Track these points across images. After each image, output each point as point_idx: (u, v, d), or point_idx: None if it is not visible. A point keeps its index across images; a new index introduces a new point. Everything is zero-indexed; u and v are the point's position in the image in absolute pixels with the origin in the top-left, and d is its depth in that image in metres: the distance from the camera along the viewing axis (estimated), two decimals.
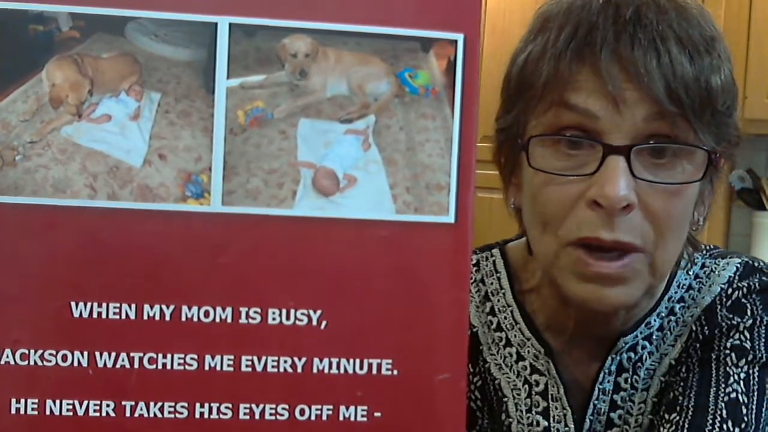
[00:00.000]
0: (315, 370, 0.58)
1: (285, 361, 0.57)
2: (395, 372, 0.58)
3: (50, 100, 0.56)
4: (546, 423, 0.92)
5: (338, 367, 0.58)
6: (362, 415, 0.58)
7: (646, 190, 0.79)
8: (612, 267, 0.79)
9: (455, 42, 0.58)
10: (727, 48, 0.83)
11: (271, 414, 0.58)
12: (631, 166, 0.77)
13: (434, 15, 0.58)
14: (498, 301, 0.97)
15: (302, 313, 0.57)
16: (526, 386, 0.94)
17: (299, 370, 0.58)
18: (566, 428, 0.92)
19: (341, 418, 0.58)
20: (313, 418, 0.58)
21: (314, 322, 0.58)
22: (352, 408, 0.58)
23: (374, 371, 0.58)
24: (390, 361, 0.58)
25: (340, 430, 0.58)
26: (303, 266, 0.57)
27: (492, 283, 0.98)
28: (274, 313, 0.57)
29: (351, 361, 0.58)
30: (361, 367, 0.58)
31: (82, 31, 0.56)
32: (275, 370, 0.57)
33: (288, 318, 0.57)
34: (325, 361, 0.58)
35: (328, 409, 0.58)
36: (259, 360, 0.57)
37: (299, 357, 0.58)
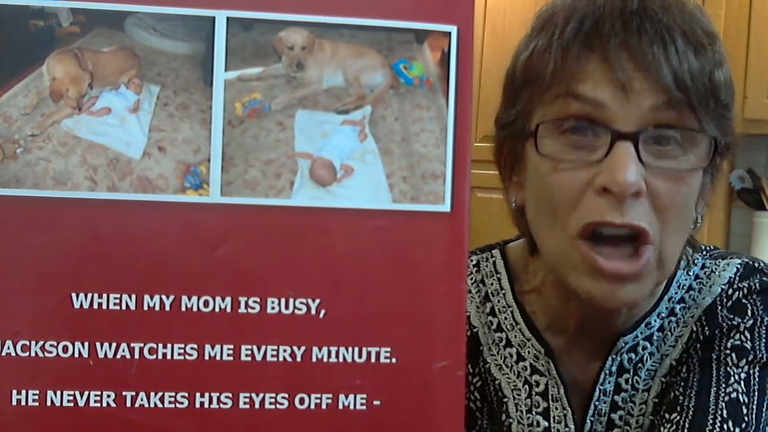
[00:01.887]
0: (314, 359, 0.58)
1: (284, 350, 0.58)
2: (394, 360, 0.59)
3: (51, 94, 0.57)
4: (546, 423, 0.92)
5: (337, 356, 0.58)
6: (362, 404, 0.58)
7: (653, 177, 0.79)
8: (630, 266, 0.80)
9: (449, 34, 0.59)
10: (723, 47, 0.84)
11: (270, 403, 0.58)
12: (639, 153, 0.78)
13: (428, 7, 0.59)
14: (498, 301, 0.97)
15: (301, 302, 0.58)
16: (527, 387, 0.94)
17: (299, 359, 0.58)
18: (566, 429, 0.92)
19: (341, 406, 0.58)
20: (312, 406, 0.58)
21: (313, 311, 0.58)
22: (351, 396, 0.58)
23: (373, 359, 0.58)
24: (389, 349, 0.59)
25: (339, 419, 0.58)
26: (301, 256, 0.58)
27: (492, 284, 0.98)
28: (273, 302, 0.58)
29: (350, 349, 0.58)
30: (360, 356, 0.58)
31: (82, 26, 0.57)
32: (275, 359, 0.58)
33: (287, 307, 0.58)
34: (324, 349, 0.58)
35: (327, 398, 0.58)
36: (259, 349, 0.58)
37: (298, 346, 0.58)
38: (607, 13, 0.80)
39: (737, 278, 0.93)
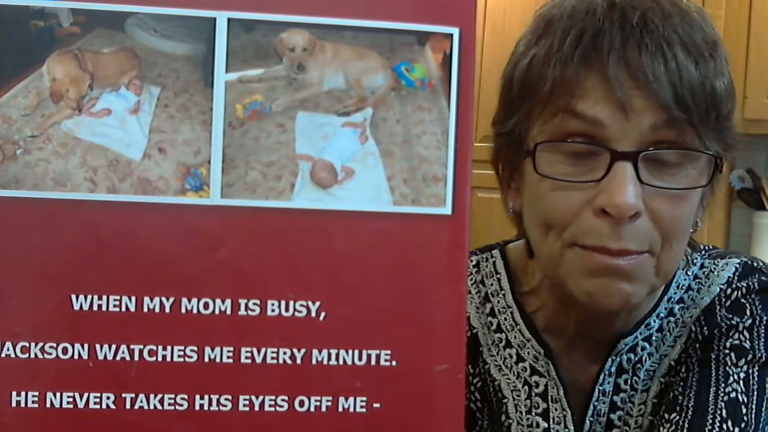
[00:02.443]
0: (314, 362, 0.58)
1: (284, 353, 0.58)
2: (394, 363, 0.59)
3: (51, 95, 0.57)
4: (546, 424, 0.92)
5: (337, 359, 0.58)
6: (361, 406, 0.58)
7: (653, 196, 0.79)
8: (621, 260, 0.79)
9: (451, 36, 0.59)
10: (726, 51, 0.83)
11: (270, 405, 0.58)
12: (638, 173, 0.78)
13: (430, 9, 0.59)
14: (498, 302, 0.97)
15: (301, 305, 0.58)
16: (526, 387, 0.94)
17: (298, 361, 0.58)
18: (566, 429, 0.92)
19: (340, 409, 0.58)
20: (312, 409, 0.58)
21: (313, 314, 0.58)
22: (351, 399, 0.58)
23: (373, 362, 0.58)
24: (389, 352, 0.58)
25: (339, 422, 0.58)
26: (302, 258, 0.58)
27: (492, 284, 0.98)
28: (273, 304, 0.58)
29: (350, 352, 0.58)
30: (360, 358, 0.58)
31: (83, 27, 0.57)
32: (275, 361, 0.58)
33: (287, 309, 0.58)
34: (324, 352, 0.58)
35: (327, 401, 0.58)
36: (259, 352, 0.58)
37: (298, 348, 0.58)
38: (606, 26, 0.78)
39: (736, 278, 0.92)
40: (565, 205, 0.80)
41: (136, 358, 0.57)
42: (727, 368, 0.87)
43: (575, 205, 0.79)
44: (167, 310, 0.57)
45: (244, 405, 0.58)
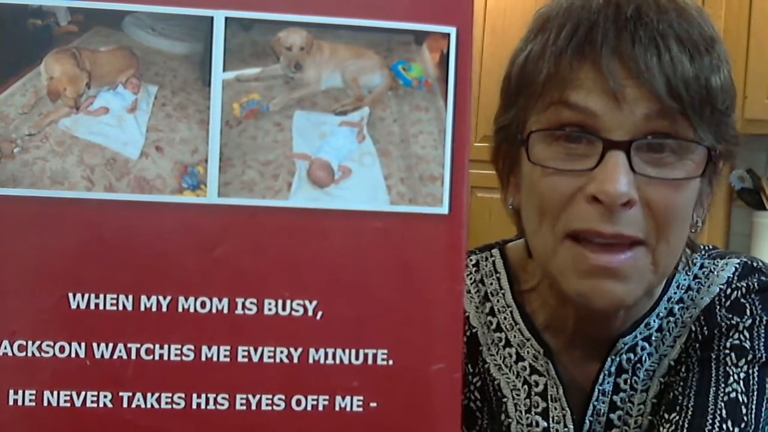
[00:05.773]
0: (311, 361, 0.58)
1: (281, 352, 0.58)
2: (391, 362, 0.58)
3: (48, 93, 0.57)
4: (545, 424, 0.92)
5: (334, 358, 0.58)
6: (358, 405, 0.58)
7: (647, 185, 0.79)
8: (614, 260, 0.79)
9: (448, 35, 0.59)
10: (725, 50, 0.83)
11: (267, 404, 0.58)
12: (631, 162, 0.78)
13: (427, 8, 0.59)
14: (497, 301, 0.97)
15: (298, 304, 0.58)
16: (526, 387, 0.94)
17: (295, 360, 0.58)
18: (565, 429, 0.92)
19: (337, 408, 0.58)
20: (309, 408, 0.58)
21: (310, 313, 0.58)
22: (348, 398, 0.58)
23: (370, 361, 0.58)
24: (385, 351, 0.58)
25: (336, 421, 0.58)
26: (299, 257, 0.58)
27: (491, 284, 0.98)
28: (270, 303, 0.58)
29: (347, 351, 0.58)
30: (357, 358, 0.58)
31: (80, 25, 0.57)
32: (271, 360, 0.58)
33: (284, 309, 0.58)
34: (321, 351, 0.58)
35: (324, 400, 0.58)
36: (256, 351, 0.58)
37: (295, 347, 0.58)
38: (601, 20, 0.79)
39: (735, 278, 0.93)
40: (558, 190, 0.80)
41: (133, 356, 0.57)
42: (727, 368, 0.87)
43: (568, 191, 0.80)
44: (164, 308, 0.57)
45: (241, 404, 0.58)
